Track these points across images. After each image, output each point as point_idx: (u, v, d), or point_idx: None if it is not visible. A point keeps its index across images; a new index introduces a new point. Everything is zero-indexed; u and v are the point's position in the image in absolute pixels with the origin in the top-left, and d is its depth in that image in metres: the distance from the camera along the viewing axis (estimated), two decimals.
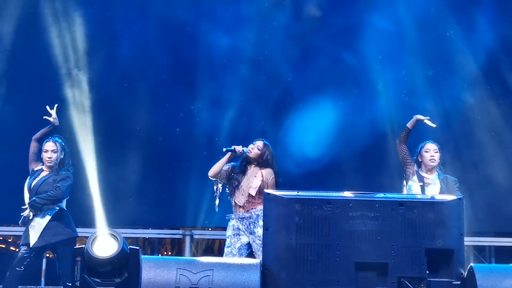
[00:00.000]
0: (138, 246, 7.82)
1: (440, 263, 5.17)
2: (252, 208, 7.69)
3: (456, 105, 10.28)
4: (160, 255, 11.13)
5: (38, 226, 7.91)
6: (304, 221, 5.17)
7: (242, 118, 10.24)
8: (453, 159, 9.22)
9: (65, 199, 8.09)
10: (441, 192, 7.98)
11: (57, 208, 7.99)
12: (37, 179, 8.08)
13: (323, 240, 5.15)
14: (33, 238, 7.87)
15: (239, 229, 7.77)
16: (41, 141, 8.20)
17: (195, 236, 10.23)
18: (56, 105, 8.25)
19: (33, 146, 8.24)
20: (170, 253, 11.89)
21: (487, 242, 10.36)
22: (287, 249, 5.15)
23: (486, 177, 10.00)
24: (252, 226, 7.70)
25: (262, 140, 8.06)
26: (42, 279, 9.00)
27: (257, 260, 5.32)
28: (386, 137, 9.79)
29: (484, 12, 10.55)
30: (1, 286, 7.84)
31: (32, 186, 8.02)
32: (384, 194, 5.31)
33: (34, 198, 7.94)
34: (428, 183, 8.05)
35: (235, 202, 7.84)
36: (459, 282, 5.16)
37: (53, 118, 8.22)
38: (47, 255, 9.33)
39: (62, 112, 9.53)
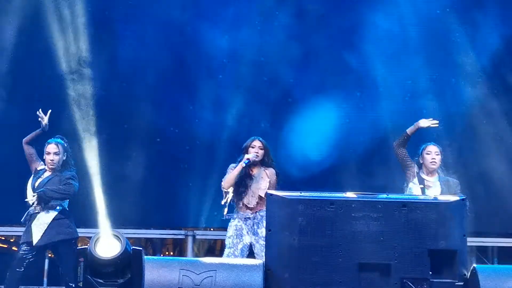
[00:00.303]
0: (141, 246, 7.83)
1: (443, 264, 5.17)
2: (260, 209, 7.69)
3: (461, 108, 10.23)
4: (162, 255, 11.12)
5: (41, 224, 7.92)
6: (307, 222, 5.17)
7: (243, 120, 10.21)
8: (457, 160, 9.22)
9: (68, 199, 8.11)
10: (442, 194, 7.99)
11: (60, 207, 8.01)
12: (41, 178, 8.09)
13: (326, 241, 5.15)
14: (36, 236, 7.88)
15: (242, 229, 7.76)
16: (32, 143, 8.23)
17: (197, 237, 10.22)
18: (49, 110, 8.25)
19: (27, 148, 8.27)
20: (172, 254, 11.89)
21: (490, 242, 10.35)
22: (290, 250, 5.15)
23: (489, 178, 9.98)
24: (255, 227, 7.71)
25: (258, 139, 8.07)
26: (45, 279, 9.01)
27: (260, 261, 5.32)
28: (389, 140, 9.70)
29: (489, 14, 10.49)
30: (2, 287, 7.85)
31: (36, 185, 8.03)
32: (387, 195, 5.31)
33: (43, 189, 7.93)
34: (428, 186, 8.06)
35: (243, 203, 7.83)
36: (462, 283, 5.16)
37: (44, 123, 8.22)
38: (49, 255, 9.33)
39: (65, 112, 9.55)
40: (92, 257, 5.05)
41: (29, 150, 8.27)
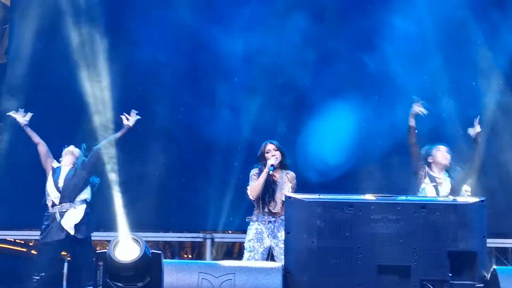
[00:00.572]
0: (159, 250, 7.85)
1: (462, 265, 5.14)
2: (283, 214, 7.66)
3: (481, 111, 10.09)
4: (180, 258, 11.13)
5: (72, 220, 8.00)
6: (326, 224, 5.16)
7: (259, 123, 10.17)
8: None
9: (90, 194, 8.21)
10: (453, 186, 8.06)
11: (85, 202, 8.10)
12: (63, 174, 8.17)
13: (345, 243, 5.14)
14: (71, 231, 7.96)
15: (263, 232, 7.74)
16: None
17: (216, 240, 10.21)
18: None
19: (42, 146, 8.33)
20: (190, 257, 11.91)
21: (509, 243, 10.29)
22: (309, 253, 5.14)
23: (509, 179, 9.91)
24: (276, 230, 7.69)
25: (270, 142, 8.04)
26: (64, 282, 9.05)
27: (279, 264, 5.32)
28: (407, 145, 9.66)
29: (509, 15, 10.40)
30: None
31: (60, 182, 8.10)
32: (406, 197, 5.30)
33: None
34: (440, 183, 8.13)
35: (268, 209, 7.81)
36: (482, 285, 5.13)
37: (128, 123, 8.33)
38: (68, 258, 9.37)
39: (82, 116, 9.58)
40: (112, 261, 5.06)
41: (43, 148, 8.33)
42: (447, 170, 8.24)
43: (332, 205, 5.20)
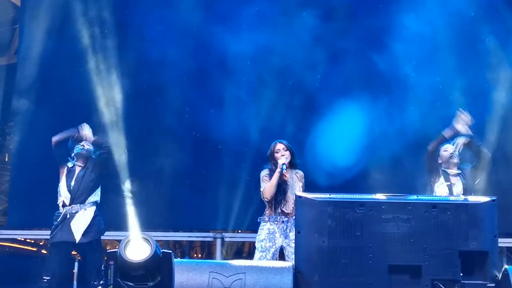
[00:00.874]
0: (169, 249, 7.85)
1: (474, 265, 5.14)
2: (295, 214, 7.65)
3: (495, 114, 10.00)
4: (190, 258, 11.13)
5: (81, 222, 8.01)
6: (337, 223, 5.16)
7: (268, 124, 10.15)
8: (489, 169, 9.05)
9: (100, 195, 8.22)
10: (465, 187, 8.06)
11: (94, 204, 8.10)
12: (75, 176, 8.19)
13: (356, 242, 5.13)
14: (78, 235, 7.96)
15: (275, 232, 7.73)
16: (61, 145, 8.30)
17: (226, 239, 10.20)
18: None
19: (57, 149, 8.33)
20: (200, 256, 11.91)
21: None
22: (320, 252, 5.14)
23: None
24: (288, 230, 7.68)
25: (280, 142, 8.03)
26: (74, 282, 9.06)
27: (289, 263, 5.31)
28: (419, 146, 9.56)
29: None
30: None
31: (72, 184, 8.12)
32: (417, 196, 5.29)
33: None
34: (453, 183, 8.14)
35: (281, 209, 7.80)
36: (493, 285, 5.13)
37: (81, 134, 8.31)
38: (78, 258, 9.38)
39: (93, 116, 9.57)
40: (122, 260, 5.06)
41: (60, 151, 8.35)
42: (459, 168, 8.25)
43: (343, 204, 5.19)
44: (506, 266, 5.21)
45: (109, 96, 9.49)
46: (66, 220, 8.04)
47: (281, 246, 7.70)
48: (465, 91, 10.02)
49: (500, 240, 5.63)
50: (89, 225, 8.06)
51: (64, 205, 8.13)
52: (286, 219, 7.75)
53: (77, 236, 7.99)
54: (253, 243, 8.04)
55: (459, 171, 8.27)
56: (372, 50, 10.28)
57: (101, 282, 7.75)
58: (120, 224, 8.69)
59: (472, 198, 5.40)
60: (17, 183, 10.33)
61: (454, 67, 10.08)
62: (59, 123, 9.51)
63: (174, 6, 10.55)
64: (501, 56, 10.12)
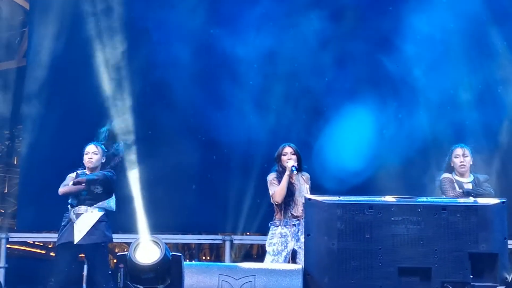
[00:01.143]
0: (178, 251, 7.85)
1: (484, 267, 5.12)
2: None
3: (506, 120, 9.91)
4: (198, 260, 11.15)
5: (84, 224, 8.00)
6: (346, 226, 5.15)
7: (276, 127, 10.12)
8: (500, 174, 8.99)
9: (114, 201, 8.20)
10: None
11: (104, 210, 8.10)
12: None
13: (365, 245, 5.13)
14: (78, 235, 7.96)
15: (287, 236, 7.73)
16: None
17: (235, 241, 10.21)
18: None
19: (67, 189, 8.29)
20: (208, 258, 11.93)
21: None
22: (329, 255, 5.13)
23: None
24: (299, 233, 7.68)
25: (288, 145, 8.02)
26: (84, 285, 9.06)
27: (299, 266, 5.31)
28: (429, 152, 9.51)
29: None
30: None
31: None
32: (427, 198, 5.28)
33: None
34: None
35: (291, 213, 7.80)
36: (503, 287, 5.12)
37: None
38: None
39: (103, 118, 9.59)
40: (132, 263, 5.07)
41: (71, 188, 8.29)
42: (473, 181, 8.16)
43: (352, 206, 5.18)
44: None
45: (120, 99, 9.51)
46: (71, 221, 8.05)
47: (293, 249, 7.70)
48: (476, 95, 9.96)
49: (510, 242, 5.63)
50: (92, 227, 8.04)
51: (72, 206, 8.13)
52: (297, 222, 7.75)
53: (77, 237, 7.99)
54: (262, 245, 8.04)
55: (470, 179, 8.20)
56: (381, 53, 10.23)
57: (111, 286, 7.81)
58: (129, 227, 8.70)
59: (482, 200, 5.39)
60: (26, 186, 10.36)
61: (465, 71, 10.02)
62: (68, 126, 9.55)
63: (180, 8, 10.56)
64: None
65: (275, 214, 7.85)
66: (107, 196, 8.14)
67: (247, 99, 10.30)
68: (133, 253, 5.07)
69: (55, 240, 8.33)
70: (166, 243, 5.26)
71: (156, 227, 8.35)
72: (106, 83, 9.65)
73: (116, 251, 12.30)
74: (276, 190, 7.77)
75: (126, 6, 10.46)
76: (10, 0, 11.66)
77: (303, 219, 7.45)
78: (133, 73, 10.07)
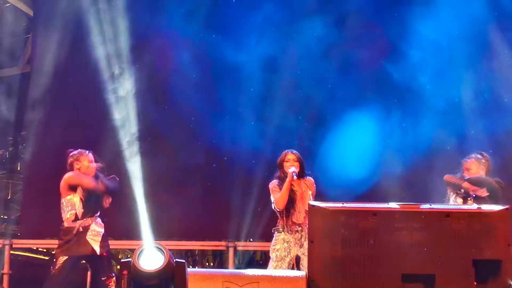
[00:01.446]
0: (182, 258, 7.86)
1: (488, 274, 5.12)
2: (307, 223, 7.62)
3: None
4: (202, 266, 11.14)
5: (96, 235, 8.02)
6: (350, 232, 5.15)
7: (279, 135, 10.12)
8: (508, 185, 8.94)
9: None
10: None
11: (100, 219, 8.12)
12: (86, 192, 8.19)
13: (369, 251, 5.12)
14: (96, 247, 7.97)
15: (290, 242, 7.73)
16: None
17: (239, 248, 10.21)
18: None
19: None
20: (212, 264, 11.92)
21: None
22: (333, 261, 5.12)
23: None
24: (303, 240, 7.68)
25: (291, 151, 8.02)
26: None
27: (303, 272, 5.31)
28: (434, 161, 9.48)
29: None
30: None
31: (84, 199, 8.13)
32: (430, 205, 5.28)
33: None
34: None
35: (292, 221, 7.80)
36: None
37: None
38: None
39: (106, 125, 9.60)
40: (136, 270, 5.07)
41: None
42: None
43: (356, 213, 5.18)
44: None
45: (123, 105, 9.52)
46: (81, 233, 8.03)
47: (297, 255, 7.70)
48: (481, 103, 9.91)
49: None
50: (102, 236, 8.08)
51: (76, 219, 8.11)
52: (299, 228, 7.75)
53: (97, 248, 8.01)
54: (265, 252, 8.04)
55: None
56: (385, 60, 10.20)
57: None
58: (133, 233, 8.70)
59: (486, 207, 5.39)
60: (29, 192, 10.36)
61: (470, 79, 9.97)
62: (72, 133, 9.55)
63: (182, 15, 10.57)
64: None
65: (278, 220, 7.86)
66: (100, 208, 8.16)
67: (249, 106, 10.29)
68: (137, 259, 5.07)
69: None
70: (170, 250, 5.26)
71: (161, 234, 8.37)
72: (109, 90, 9.67)
73: (119, 257, 12.29)
74: (278, 197, 7.77)
75: (129, 14, 10.48)
76: (14, 7, 11.69)
77: (306, 226, 7.48)
78: (135, 80, 10.09)
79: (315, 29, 10.37)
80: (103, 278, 8.10)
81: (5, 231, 11.93)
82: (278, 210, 7.81)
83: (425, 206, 5.23)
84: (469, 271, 5.08)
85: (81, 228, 8.04)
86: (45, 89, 10.31)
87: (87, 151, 8.21)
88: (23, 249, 11.62)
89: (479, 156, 8.26)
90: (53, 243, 10.36)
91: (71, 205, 8.10)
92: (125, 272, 5.11)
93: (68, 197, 8.13)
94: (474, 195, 8.01)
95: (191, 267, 10.46)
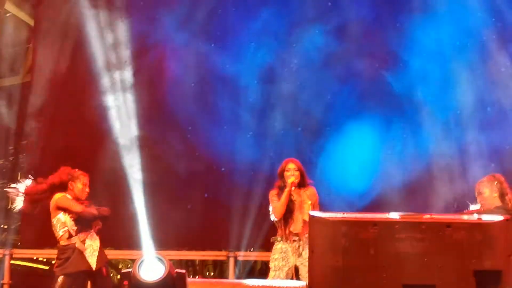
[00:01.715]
0: (182, 268, 7.85)
1: (488, 284, 5.11)
2: (306, 233, 7.63)
3: None
4: (202, 276, 11.13)
5: (94, 250, 8.01)
6: (350, 243, 5.14)
7: (278, 145, 10.11)
8: None
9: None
10: None
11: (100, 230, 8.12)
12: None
13: (370, 262, 5.11)
14: (93, 262, 7.97)
15: (288, 251, 7.72)
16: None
17: (239, 258, 10.20)
18: None
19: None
20: (212, 274, 11.91)
21: None
22: (334, 272, 5.12)
23: None
24: (301, 249, 7.67)
25: (293, 161, 8.02)
26: None
27: (303, 283, 5.31)
28: (436, 172, 9.46)
29: None
30: None
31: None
32: (431, 215, 5.28)
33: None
34: None
35: (289, 230, 7.80)
36: None
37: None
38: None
39: (106, 135, 9.59)
40: (136, 280, 5.06)
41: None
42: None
43: (357, 223, 5.18)
44: None
45: (125, 115, 9.52)
46: (77, 249, 8.03)
47: (295, 265, 7.69)
48: (483, 114, 9.87)
49: None
50: (99, 250, 8.07)
51: (70, 236, 8.10)
52: (297, 238, 7.74)
53: (93, 263, 8.00)
54: (266, 262, 8.05)
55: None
56: (386, 70, 10.17)
57: None
58: (133, 243, 8.69)
59: (487, 217, 5.38)
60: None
61: (472, 89, 9.93)
62: (72, 142, 9.55)
63: (181, 24, 10.57)
64: None
65: (278, 229, 7.86)
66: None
67: (248, 116, 10.28)
68: (137, 270, 5.07)
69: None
70: (170, 260, 5.25)
71: (161, 244, 8.37)
72: (109, 100, 9.68)
73: (120, 267, 12.28)
74: (276, 206, 7.78)
75: (129, 24, 10.50)
76: (14, 17, 11.71)
77: (304, 235, 7.48)
78: (134, 89, 10.09)
79: (315, 39, 10.36)
80: None
81: (5, 241, 11.91)
82: (275, 219, 7.81)
83: (426, 217, 5.23)
84: (469, 281, 5.07)
85: (77, 243, 8.03)
86: (46, 99, 10.31)
87: (83, 175, 8.23)
88: (23, 258, 11.59)
89: (491, 178, 8.15)
90: (53, 253, 10.35)
91: (62, 223, 8.10)
92: (125, 282, 5.11)
93: (58, 216, 8.14)
94: None
95: (191, 277, 10.45)
